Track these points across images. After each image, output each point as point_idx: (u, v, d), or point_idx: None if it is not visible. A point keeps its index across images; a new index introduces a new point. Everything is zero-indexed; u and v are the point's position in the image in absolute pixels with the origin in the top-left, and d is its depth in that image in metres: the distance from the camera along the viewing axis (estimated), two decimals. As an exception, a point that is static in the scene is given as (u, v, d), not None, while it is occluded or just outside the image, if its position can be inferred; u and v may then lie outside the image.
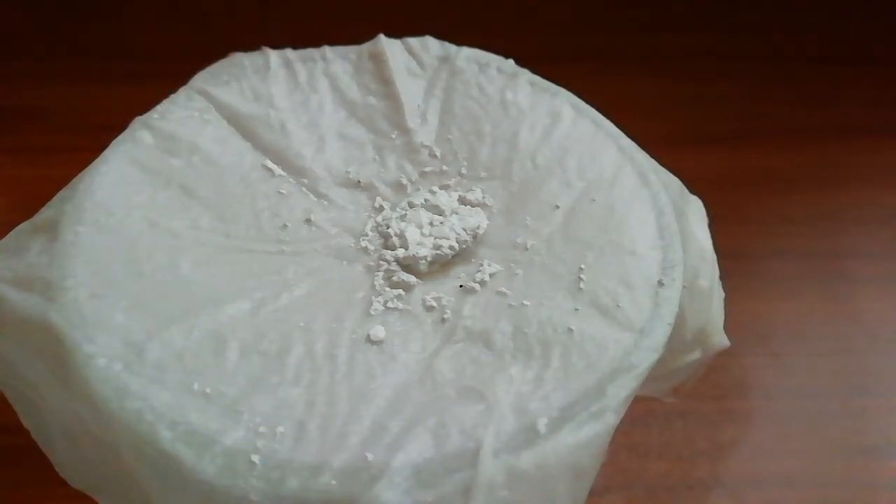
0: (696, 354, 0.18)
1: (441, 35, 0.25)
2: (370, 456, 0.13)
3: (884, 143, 0.44)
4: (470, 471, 0.13)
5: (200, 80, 0.19)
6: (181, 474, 0.13)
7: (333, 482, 0.13)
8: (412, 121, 0.18)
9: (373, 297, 0.15)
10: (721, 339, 0.19)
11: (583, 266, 0.16)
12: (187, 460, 0.13)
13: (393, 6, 0.49)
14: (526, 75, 0.20)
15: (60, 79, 0.45)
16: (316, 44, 0.47)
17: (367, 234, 0.16)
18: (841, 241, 0.40)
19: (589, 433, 0.14)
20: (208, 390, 0.13)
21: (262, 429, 0.13)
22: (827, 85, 0.47)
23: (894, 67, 0.48)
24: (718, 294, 0.19)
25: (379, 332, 0.15)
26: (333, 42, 0.51)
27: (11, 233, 0.17)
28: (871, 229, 0.41)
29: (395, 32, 0.25)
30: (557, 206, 0.17)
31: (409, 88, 0.19)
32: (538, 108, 0.19)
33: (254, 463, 0.13)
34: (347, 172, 0.17)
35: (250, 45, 0.48)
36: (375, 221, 0.16)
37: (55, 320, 0.14)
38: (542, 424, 0.14)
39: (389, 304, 0.15)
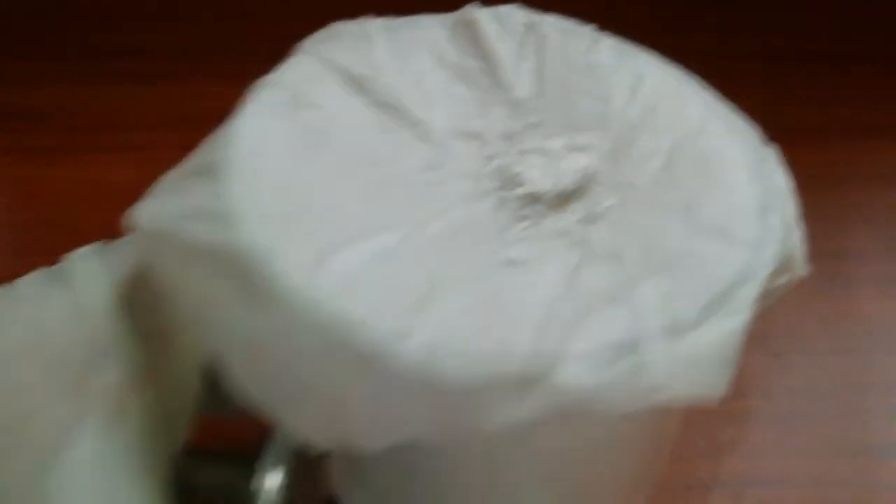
0: (784, 279, 0.19)
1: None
2: (545, 345, 0.14)
3: (884, 143, 0.44)
4: (635, 356, 0.15)
5: (310, 44, 0.20)
6: (375, 372, 0.14)
7: (515, 368, 0.14)
8: (509, 80, 0.19)
9: (505, 230, 0.17)
10: (802, 268, 0.20)
11: (690, 198, 0.18)
12: (384, 355, 0.14)
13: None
14: (608, 39, 0.21)
15: (60, 79, 0.45)
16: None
17: (487, 177, 0.17)
18: (841, 241, 0.40)
19: (729, 326, 0.16)
20: (387, 301, 0.15)
21: (441, 330, 0.14)
22: (827, 85, 0.47)
23: (894, 67, 0.48)
24: (800, 228, 0.20)
25: (518, 254, 0.16)
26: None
27: (165, 180, 0.17)
28: (872, 229, 0.41)
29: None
30: (656, 152, 0.19)
31: (502, 51, 0.20)
32: (623, 68, 0.20)
33: (442, 354, 0.14)
34: (459, 125, 0.18)
35: (251, 45, 0.48)
36: (493, 166, 0.18)
37: (240, 244, 0.15)
38: (686, 322, 0.15)
39: (521, 234, 0.17)
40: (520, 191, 0.17)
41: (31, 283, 0.16)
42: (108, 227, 0.39)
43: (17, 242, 0.38)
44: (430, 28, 0.20)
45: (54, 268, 0.17)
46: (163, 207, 0.16)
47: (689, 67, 0.49)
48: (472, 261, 0.16)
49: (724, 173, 0.18)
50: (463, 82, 0.19)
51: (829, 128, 0.45)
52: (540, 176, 0.17)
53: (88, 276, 0.16)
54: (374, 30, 0.20)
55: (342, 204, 0.16)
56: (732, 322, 0.16)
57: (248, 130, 0.17)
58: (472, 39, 0.20)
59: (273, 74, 0.19)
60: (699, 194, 0.18)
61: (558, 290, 0.15)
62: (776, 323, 0.37)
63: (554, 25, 0.21)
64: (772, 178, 0.19)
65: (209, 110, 0.45)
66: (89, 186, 0.39)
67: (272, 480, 0.22)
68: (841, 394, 0.34)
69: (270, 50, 0.49)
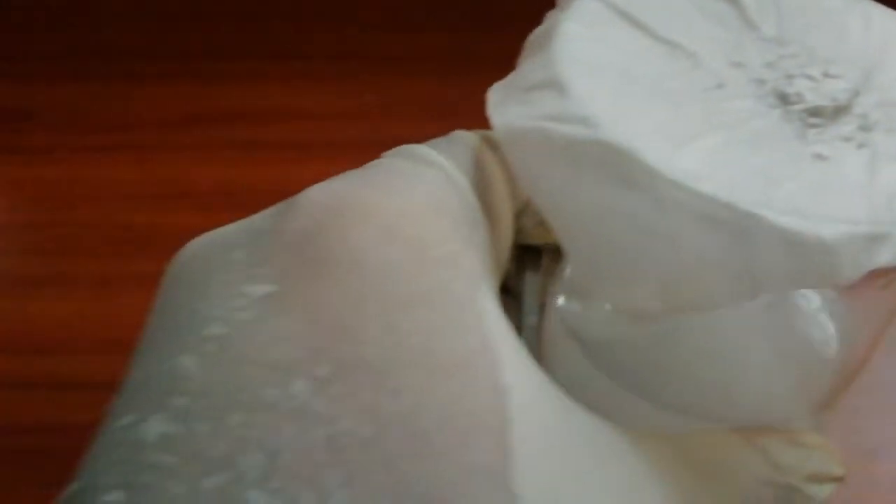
0: None
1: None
2: (880, 212, 0.17)
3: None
4: None
5: None
6: (742, 238, 0.16)
7: (865, 228, 0.16)
8: (756, 21, 0.22)
9: (799, 135, 0.19)
10: None
11: None
12: (752, 221, 0.16)
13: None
14: None
15: (60, 79, 0.45)
16: (323, 46, 0.47)
17: (766, 96, 0.20)
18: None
19: None
20: (740, 180, 0.17)
21: (793, 201, 0.17)
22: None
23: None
24: None
25: (821, 151, 0.18)
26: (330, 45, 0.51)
27: (497, 97, 0.19)
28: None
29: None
30: None
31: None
32: (852, 11, 0.22)
33: (801, 218, 0.16)
34: (725, 57, 0.21)
35: (250, 46, 0.48)
36: (768, 87, 0.20)
37: (607, 139, 0.17)
38: None
39: (814, 138, 0.18)
40: (801, 106, 0.19)
41: (392, 164, 0.19)
42: (108, 226, 0.39)
43: (17, 242, 0.38)
44: None
45: (390, 156, 0.20)
46: (519, 113, 0.19)
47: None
48: (787, 155, 0.18)
49: None
50: (718, 24, 0.22)
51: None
52: (813, 94, 0.19)
53: (440, 160, 0.19)
54: None
55: (663, 112, 0.19)
56: None
57: (566, 55, 0.20)
58: None
59: (564, 13, 0.21)
60: None
61: (866, 178, 0.18)
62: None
63: None
64: None
65: (209, 110, 0.45)
66: (89, 186, 0.39)
67: None
68: (841, 394, 0.34)
69: (269, 50, 0.49)
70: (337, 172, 0.42)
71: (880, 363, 0.36)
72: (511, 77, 0.21)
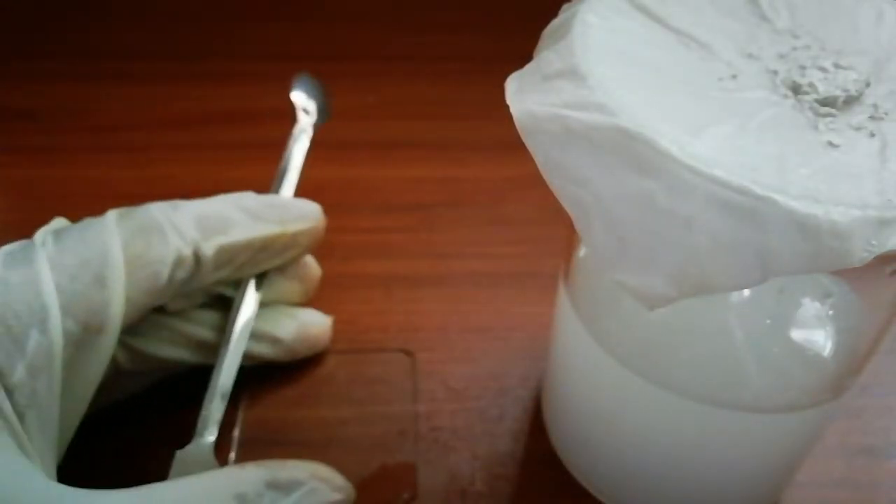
0: None
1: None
2: (890, 196, 0.17)
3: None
4: None
5: None
6: (755, 221, 0.17)
7: (874, 212, 0.17)
8: (769, 14, 0.23)
9: (811, 124, 0.19)
10: None
11: None
12: (766, 205, 0.17)
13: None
14: None
15: (60, 79, 0.45)
16: (327, 48, 0.47)
17: (778, 87, 0.20)
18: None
19: None
20: (755, 166, 0.17)
21: (806, 186, 0.17)
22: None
23: None
24: None
25: (833, 139, 0.18)
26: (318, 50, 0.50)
27: (517, 85, 0.20)
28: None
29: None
30: None
31: None
32: (864, 5, 0.23)
33: (813, 202, 0.17)
34: (739, 48, 0.21)
35: (249, 47, 0.48)
36: (781, 78, 0.20)
37: (626, 126, 0.17)
38: None
39: (826, 127, 0.19)
40: (813, 96, 0.20)
41: None
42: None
43: (17, 243, 0.38)
44: None
45: None
46: (538, 101, 0.19)
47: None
48: (799, 143, 0.18)
49: None
50: (731, 16, 0.22)
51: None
52: (825, 85, 0.20)
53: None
54: None
55: (679, 101, 0.19)
56: None
57: (584, 44, 0.20)
58: None
59: (582, 4, 0.22)
60: None
61: (878, 165, 0.18)
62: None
63: None
64: None
65: (208, 111, 0.45)
66: (89, 186, 0.39)
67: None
68: (841, 394, 0.34)
69: (267, 51, 0.49)
70: (336, 173, 0.43)
71: (881, 364, 0.36)
72: (529, 66, 0.21)
